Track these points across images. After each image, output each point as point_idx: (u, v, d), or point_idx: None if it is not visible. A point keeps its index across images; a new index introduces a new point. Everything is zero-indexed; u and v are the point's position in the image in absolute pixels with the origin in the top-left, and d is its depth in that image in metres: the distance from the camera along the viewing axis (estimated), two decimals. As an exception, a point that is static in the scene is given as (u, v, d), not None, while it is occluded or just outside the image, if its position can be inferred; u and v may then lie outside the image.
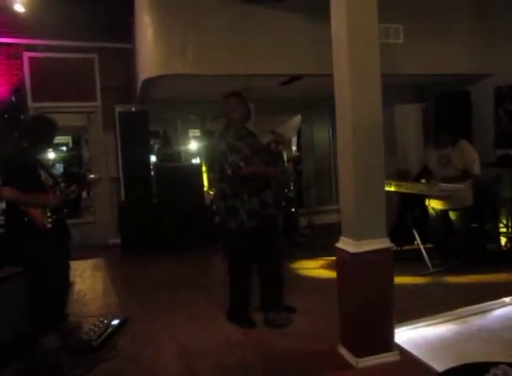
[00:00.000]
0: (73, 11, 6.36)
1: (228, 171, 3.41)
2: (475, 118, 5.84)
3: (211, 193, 6.43)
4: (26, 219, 3.22)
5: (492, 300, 3.74)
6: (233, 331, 3.50)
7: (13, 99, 6.24)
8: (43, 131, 3.50)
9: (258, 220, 3.49)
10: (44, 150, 3.66)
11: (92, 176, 4.08)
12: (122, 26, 6.17)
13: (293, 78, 5.36)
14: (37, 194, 3.27)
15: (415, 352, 2.96)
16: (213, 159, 3.66)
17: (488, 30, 5.46)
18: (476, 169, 4.75)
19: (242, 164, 3.41)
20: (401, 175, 5.55)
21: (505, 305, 3.73)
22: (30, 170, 3.32)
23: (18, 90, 6.31)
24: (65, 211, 3.52)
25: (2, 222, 3.56)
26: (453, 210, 4.90)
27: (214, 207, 3.78)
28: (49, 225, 3.27)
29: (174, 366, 3.02)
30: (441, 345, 3.11)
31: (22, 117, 6.19)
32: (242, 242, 3.54)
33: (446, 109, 5.89)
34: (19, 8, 5.90)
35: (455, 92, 6.01)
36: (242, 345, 3.27)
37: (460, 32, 5.40)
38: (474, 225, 5.17)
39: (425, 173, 5.23)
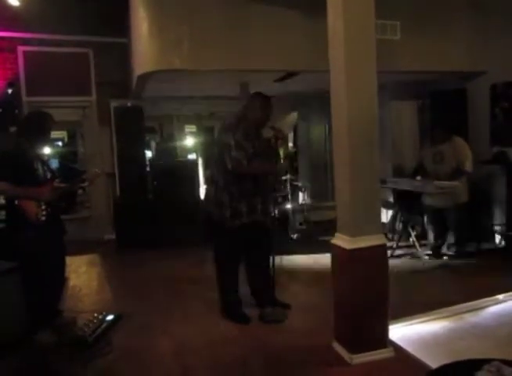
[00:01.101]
0: (68, 5, 6.31)
1: (229, 165, 3.38)
2: (471, 116, 5.85)
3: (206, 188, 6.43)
4: (20, 213, 3.21)
5: (486, 297, 3.75)
6: (229, 327, 3.49)
7: (8, 93, 6.19)
8: (39, 125, 3.47)
9: (245, 221, 3.47)
10: (41, 143, 3.62)
11: (96, 170, 4.08)
12: (117, 20, 6.12)
13: (289, 74, 5.34)
14: (31, 187, 3.25)
15: (409, 349, 2.97)
16: (215, 148, 3.62)
17: (484, 28, 5.45)
18: (468, 166, 4.75)
19: (245, 162, 3.38)
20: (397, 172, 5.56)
21: (499, 302, 3.75)
22: (26, 164, 3.31)
23: (12, 84, 6.25)
24: (63, 204, 3.50)
25: (3, 217, 3.54)
26: (448, 207, 4.90)
27: (205, 201, 3.77)
28: (43, 218, 3.26)
29: (169, 361, 3.02)
30: (435, 342, 3.12)
31: (16, 111, 6.15)
32: (227, 239, 3.53)
33: (442, 106, 5.89)
34: (13, 1, 5.84)
35: (451, 90, 6.01)
36: (237, 340, 3.27)
37: (457, 29, 5.40)
38: (468, 222, 5.18)
39: (421, 170, 5.24)
